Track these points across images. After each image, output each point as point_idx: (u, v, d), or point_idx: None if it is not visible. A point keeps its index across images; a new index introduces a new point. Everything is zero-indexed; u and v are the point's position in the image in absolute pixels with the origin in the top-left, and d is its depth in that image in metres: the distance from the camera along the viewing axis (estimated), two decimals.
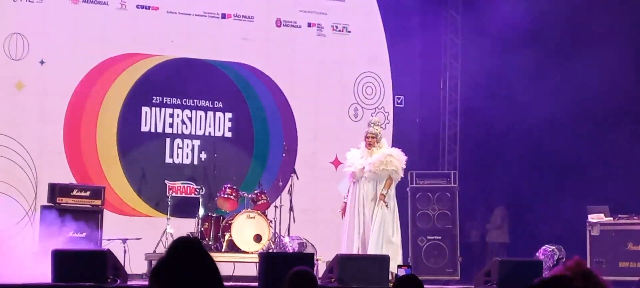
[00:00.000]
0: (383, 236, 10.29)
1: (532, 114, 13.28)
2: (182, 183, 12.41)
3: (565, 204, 12.60)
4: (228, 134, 13.23)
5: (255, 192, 12.01)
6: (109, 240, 11.16)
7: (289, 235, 11.64)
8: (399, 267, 5.06)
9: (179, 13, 13.05)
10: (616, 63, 12.51)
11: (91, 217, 11.01)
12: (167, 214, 11.92)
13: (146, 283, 9.37)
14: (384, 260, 9.69)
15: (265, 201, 11.77)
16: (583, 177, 12.73)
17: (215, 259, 3.00)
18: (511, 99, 13.49)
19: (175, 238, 2.83)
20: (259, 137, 13.25)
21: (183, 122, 13.02)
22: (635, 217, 11.86)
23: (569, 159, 12.98)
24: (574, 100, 12.74)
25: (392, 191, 10.53)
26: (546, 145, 13.35)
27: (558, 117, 13.13)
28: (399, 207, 10.80)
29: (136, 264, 11.03)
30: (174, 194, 12.19)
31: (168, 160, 12.84)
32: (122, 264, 9.38)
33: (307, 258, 8.92)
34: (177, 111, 12.99)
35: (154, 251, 11.41)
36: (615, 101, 13.00)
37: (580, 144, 13.07)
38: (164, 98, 12.95)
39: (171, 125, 12.95)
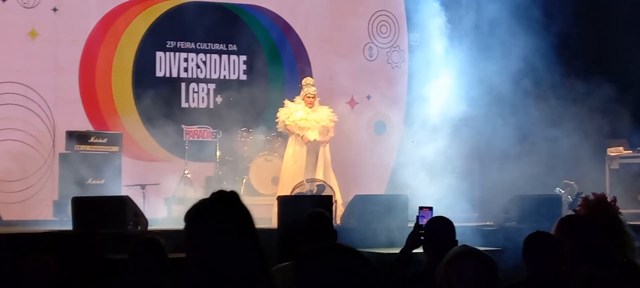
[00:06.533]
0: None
1: None
2: (198, 127, 12.41)
3: (584, 138, 12.50)
4: (243, 77, 13.19)
5: (272, 134, 12.02)
6: (127, 185, 11.23)
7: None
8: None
9: None
10: None
11: (109, 164, 11.08)
12: (184, 158, 11.97)
13: (166, 227, 9.43)
14: (403, 199, 9.72)
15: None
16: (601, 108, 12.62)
17: None
18: None
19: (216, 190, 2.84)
20: (274, 79, 13.19)
21: (198, 66, 12.98)
22: None
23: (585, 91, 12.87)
24: None
25: None
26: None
27: None
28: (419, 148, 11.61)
29: (155, 209, 11.09)
30: (190, 138, 12.21)
31: (184, 104, 12.82)
32: (142, 210, 9.42)
33: (325, 201, 8.91)
34: (192, 55, 12.94)
35: (173, 196, 11.47)
36: None
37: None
38: (178, 42, 12.89)
39: (186, 70, 12.91)
